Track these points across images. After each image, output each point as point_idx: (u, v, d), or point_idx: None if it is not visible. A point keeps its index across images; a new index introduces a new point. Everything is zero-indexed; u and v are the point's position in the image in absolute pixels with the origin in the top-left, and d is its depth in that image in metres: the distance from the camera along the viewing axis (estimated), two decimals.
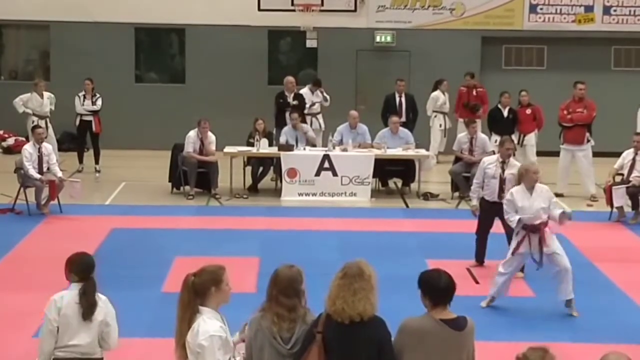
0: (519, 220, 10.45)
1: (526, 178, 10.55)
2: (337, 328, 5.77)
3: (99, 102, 19.35)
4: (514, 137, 18.95)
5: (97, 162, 19.32)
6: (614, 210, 15.51)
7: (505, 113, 18.92)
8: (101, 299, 6.88)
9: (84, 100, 19.30)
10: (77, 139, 19.73)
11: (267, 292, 6.00)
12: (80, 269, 6.84)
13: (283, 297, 5.91)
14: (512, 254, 10.61)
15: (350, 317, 5.74)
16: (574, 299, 10.49)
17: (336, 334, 5.78)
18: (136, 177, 18.74)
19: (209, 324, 5.81)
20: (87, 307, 6.74)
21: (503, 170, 12.21)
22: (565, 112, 17.34)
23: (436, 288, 5.94)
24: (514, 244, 10.61)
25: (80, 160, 19.40)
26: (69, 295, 6.78)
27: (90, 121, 19.29)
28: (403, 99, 19.61)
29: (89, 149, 19.65)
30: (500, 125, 18.87)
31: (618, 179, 15.67)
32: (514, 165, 12.04)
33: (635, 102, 20.95)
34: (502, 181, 12.12)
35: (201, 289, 5.90)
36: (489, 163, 12.46)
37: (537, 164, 11.39)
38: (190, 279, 5.95)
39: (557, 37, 22.14)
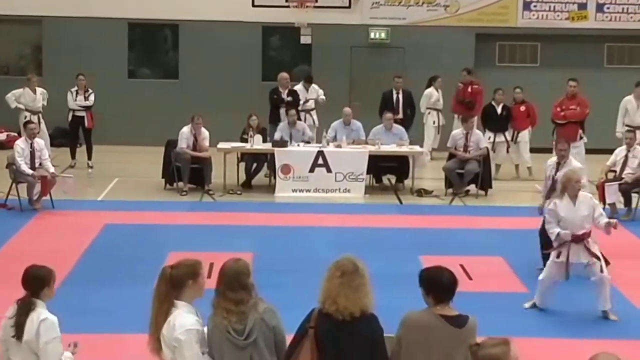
0: (558, 234, 10.26)
1: (569, 187, 10.35)
2: (331, 324, 5.77)
3: (92, 97, 19.32)
4: (508, 134, 19.02)
5: (89, 157, 19.29)
6: (607, 206, 15.52)
7: (499, 110, 18.96)
8: (41, 319, 6.11)
9: (76, 96, 19.27)
10: (70, 134, 19.70)
11: (216, 287, 5.99)
12: (27, 283, 6.25)
13: (229, 292, 5.91)
14: (551, 260, 10.44)
15: (352, 314, 5.75)
16: (609, 310, 10.32)
17: (331, 330, 5.78)
18: (129, 173, 18.72)
19: (185, 318, 5.80)
20: (16, 327, 6.15)
21: (556, 171, 12.08)
22: (558, 109, 17.37)
23: (439, 285, 5.96)
24: (554, 253, 10.41)
25: (73, 156, 19.37)
26: (9, 311, 6.30)
27: (83, 117, 19.26)
28: (400, 96, 19.64)
29: (81, 145, 19.63)
30: (494, 122, 18.93)
31: (611, 175, 15.70)
32: (570, 167, 11.84)
33: None
34: (554, 182, 11.95)
35: (178, 282, 5.89)
36: (550, 163, 12.34)
37: (579, 172, 11.18)
38: (168, 271, 5.94)
39: (550, 34, 22.16)
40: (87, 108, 19.30)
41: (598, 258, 10.28)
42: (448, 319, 5.89)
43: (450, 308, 5.94)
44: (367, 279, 5.84)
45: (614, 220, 10.44)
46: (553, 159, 12.57)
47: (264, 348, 5.92)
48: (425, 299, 5.97)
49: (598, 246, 10.45)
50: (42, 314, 6.10)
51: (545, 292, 10.53)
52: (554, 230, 10.32)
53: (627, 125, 18.02)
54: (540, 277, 10.54)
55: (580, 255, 10.26)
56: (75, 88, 19.29)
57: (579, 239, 10.25)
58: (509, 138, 19.01)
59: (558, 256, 10.36)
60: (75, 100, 19.26)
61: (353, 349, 5.78)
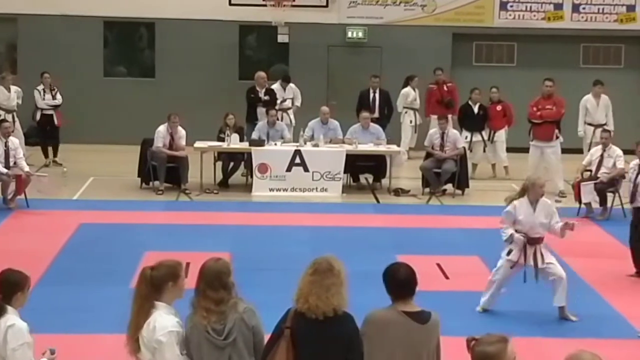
0: (511, 235, 10.27)
1: (532, 191, 10.30)
2: (307, 324, 5.77)
3: (59, 96, 19.27)
4: (484, 134, 19.07)
5: (55, 155, 19.29)
6: (582, 206, 15.61)
7: (476, 109, 19.01)
8: (8, 325, 5.89)
9: (44, 95, 19.20)
10: (40, 133, 19.63)
11: (195, 286, 5.96)
12: (0, 287, 6.04)
13: (210, 291, 5.87)
14: (503, 259, 10.43)
15: (324, 313, 5.75)
16: (565, 306, 10.34)
17: (305, 330, 5.78)
18: (105, 172, 18.62)
19: (166, 320, 5.78)
20: None
21: (637, 174, 11.88)
22: (534, 108, 17.42)
23: (395, 280, 5.98)
24: (506, 249, 10.43)
25: (46, 155, 19.29)
26: None
27: (52, 115, 19.23)
28: (377, 95, 19.67)
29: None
30: (471, 121, 18.97)
31: (586, 175, 15.78)
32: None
33: None
34: (636, 186, 11.80)
35: (159, 283, 5.86)
36: (632, 166, 12.08)
37: (542, 178, 11.17)
38: (148, 273, 5.89)
39: (527, 34, 22.23)
40: (55, 107, 19.24)
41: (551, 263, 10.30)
42: (410, 315, 5.90)
43: (412, 304, 5.95)
44: (341, 279, 5.83)
45: (571, 222, 10.40)
46: (635, 161, 12.19)
47: (243, 348, 5.89)
48: (390, 297, 5.99)
49: (550, 253, 10.44)
50: (9, 320, 5.93)
51: (494, 294, 10.51)
52: (507, 232, 10.32)
53: (588, 124, 18.25)
54: (494, 277, 10.50)
55: (536, 258, 10.26)
56: (42, 87, 19.22)
57: (534, 242, 10.27)
58: (485, 137, 19.07)
59: (509, 253, 10.38)
60: (44, 99, 19.20)
61: (328, 349, 5.78)
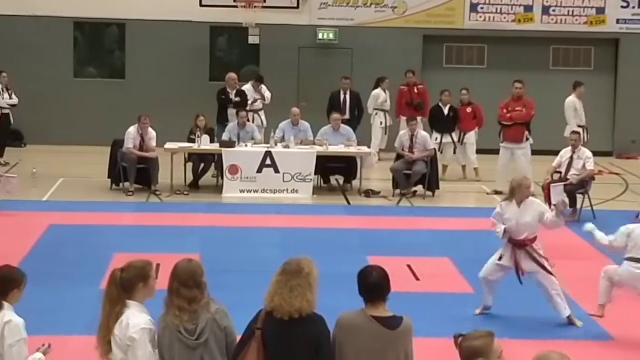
0: (505, 230, 10.25)
1: (518, 193, 10.29)
2: (276, 325, 5.76)
3: (14, 96, 19.33)
4: (455, 136, 19.13)
5: (2, 155, 19.30)
6: (552, 207, 15.66)
7: (446, 111, 19.07)
8: (5, 321, 5.95)
9: (3, 94, 19.16)
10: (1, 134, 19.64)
11: (168, 286, 5.95)
12: None
13: (184, 289, 5.87)
14: (492, 261, 10.44)
15: (289, 314, 5.74)
16: (572, 314, 10.35)
17: (275, 331, 5.78)
18: (75, 173, 18.52)
19: (138, 318, 5.78)
20: None
21: None
22: (504, 110, 17.50)
23: (365, 284, 5.96)
24: (497, 253, 10.43)
25: (1, 154, 19.27)
26: None
27: (9, 114, 19.26)
28: (348, 97, 19.72)
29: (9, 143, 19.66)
30: (441, 123, 19.03)
31: (556, 177, 15.84)
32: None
33: None
34: None
35: (129, 285, 5.86)
36: None
37: (530, 179, 11.17)
38: (118, 275, 5.90)
39: (497, 36, 22.32)
40: (12, 106, 19.28)
41: (543, 268, 10.29)
42: (380, 320, 5.86)
43: (384, 309, 5.91)
44: (308, 282, 5.80)
45: (565, 200, 10.38)
46: None
47: (215, 349, 5.89)
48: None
49: (543, 255, 10.42)
50: (6, 316, 5.99)
51: (488, 291, 10.53)
52: (500, 229, 10.30)
53: (578, 126, 18.27)
54: (482, 275, 10.53)
55: (526, 262, 10.26)
56: (0, 86, 19.19)
57: (521, 245, 10.27)
58: (456, 139, 19.13)
59: (500, 259, 10.38)
60: (3, 98, 19.16)
61: (295, 350, 5.77)
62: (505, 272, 10.44)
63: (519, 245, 10.27)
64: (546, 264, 10.32)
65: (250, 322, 5.89)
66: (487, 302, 10.60)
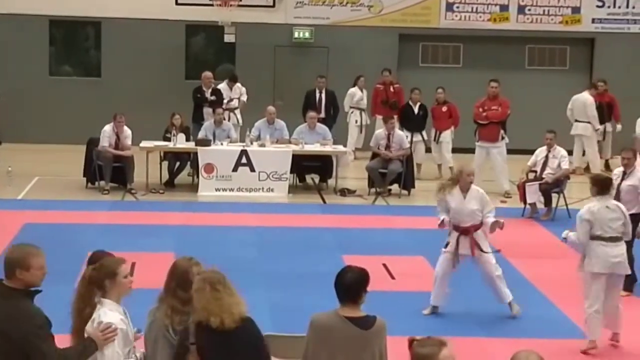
0: (443, 220, 10.42)
1: (461, 180, 10.45)
2: (210, 336, 5.70)
3: None
4: (425, 134, 19.17)
5: None
6: (527, 206, 15.77)
7: (416, 109, 19.12)
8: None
9: None
10: None
11: (165, 284, 5.94)
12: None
13: (180, 291, 5.90)
14: (442, 254, 10.52)
15: (235, 322, 5.68)
16: (512, 301, 10.47)
17: (210, 343, 5.71)
18: (50, 172, 18.44)
19: (109, 316, 5.77)
20: None
21: (621, 181, 11.43)
22: (480, 109, 17.55)
23: (339, 284, 5.98)
24: (445, 243, 10.54)
25: None
26: None
27: None
28: (323, 95, 19.74)
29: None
30: (411, 121, 19.06)
31: (531, 176, 15.93)
32: (636, 177, 11.35)
33: (548, 100, 21.34)
34: (619, 192, 11.20)
35: (97, 281, 5.88)
36: (616, 173, 11.64)
37: (473, 166, 11.28)
38: (87, 272, 5.94)
39: (472, 35, 22.39)
40: None
41: (484, 252, 10.39)
42: (353, 320, 5.87)
43: (357, 309, 5.92)
44: (232, 287, 5.78)
45: (501, 221, 10.51)
46: (619, 168, 11.83)
47: None
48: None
49: (488, 241, 10.56)
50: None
51: (439, 288, 10.56)
52: (440, 217, 10.48)
53: (577, 120, 18.88)
54: (436, 271, 10.59)
55: (468, 248, 10.39)
56: None
57: (466, 231, 10.39)
58: (426, 137, 19.18)
59: (446, 246, 10.51)
60: None
61: (236, 356, 5.71)
62: (455, 262, 10.46)
63: (464, 231, 10.40)
64: (488, 248, 10.44)
65: (180, 340, 5.79)
66: (438, 301, 10.60)
